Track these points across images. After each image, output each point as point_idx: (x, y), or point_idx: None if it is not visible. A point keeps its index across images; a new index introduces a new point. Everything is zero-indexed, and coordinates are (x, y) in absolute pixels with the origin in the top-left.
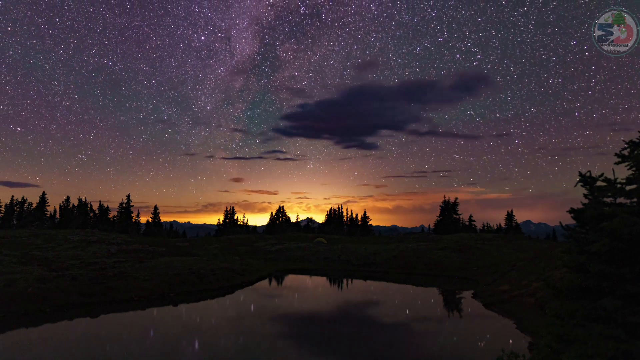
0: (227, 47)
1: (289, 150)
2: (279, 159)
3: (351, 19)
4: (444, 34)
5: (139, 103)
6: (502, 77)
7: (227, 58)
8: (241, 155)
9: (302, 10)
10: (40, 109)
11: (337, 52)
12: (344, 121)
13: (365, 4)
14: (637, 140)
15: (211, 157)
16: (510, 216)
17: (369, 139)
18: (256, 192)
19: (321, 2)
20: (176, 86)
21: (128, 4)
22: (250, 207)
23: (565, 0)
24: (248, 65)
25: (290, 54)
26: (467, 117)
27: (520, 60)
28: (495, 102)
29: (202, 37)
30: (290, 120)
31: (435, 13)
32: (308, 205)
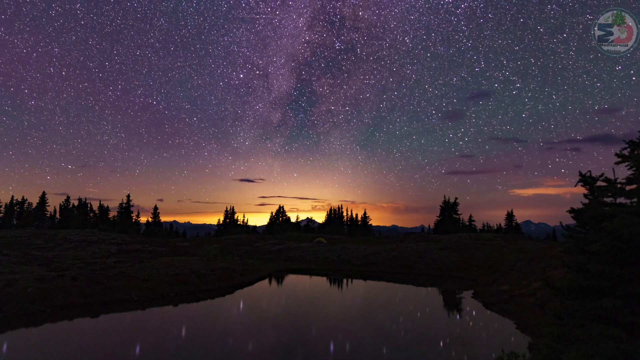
0: (265, 83)
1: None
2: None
3: (386, 52)
4: (481, 64)
5: (181, 140)
6: (543, 105)
7: (265, 94)
8: (279, 191)
9: (338, 45)
10: (89, 148)
11: (373, 86)
12: None
13: (399, 37)
14: (637, 140)
15: (249, 190)
16: (510, 216)
17: None
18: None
19: (356, 37)
20: (216, 123)
21: (172, 46)
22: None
23: None
24: (285, 101)
25: (327, 89)
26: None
27: (562, 87)
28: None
29: (241, 75)
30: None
31: (470, 43)
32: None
